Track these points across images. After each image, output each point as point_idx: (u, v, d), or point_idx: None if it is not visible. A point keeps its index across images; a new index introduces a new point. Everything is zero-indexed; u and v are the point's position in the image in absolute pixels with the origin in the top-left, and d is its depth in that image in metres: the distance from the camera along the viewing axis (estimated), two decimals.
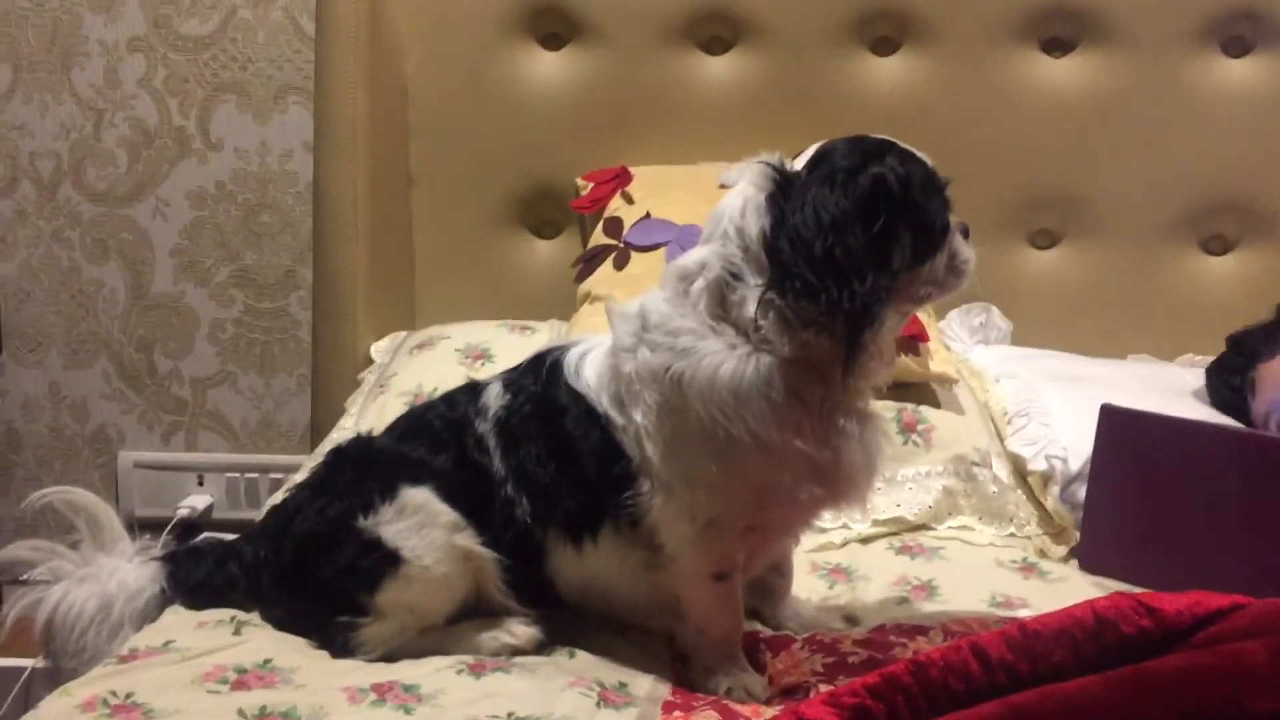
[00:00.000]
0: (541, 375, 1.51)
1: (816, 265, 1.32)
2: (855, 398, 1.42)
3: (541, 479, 1.47)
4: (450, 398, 1.60)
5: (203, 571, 1.61)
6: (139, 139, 2.77)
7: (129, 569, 1.60)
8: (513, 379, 1.55)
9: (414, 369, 2.25)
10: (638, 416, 1.40)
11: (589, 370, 1.47)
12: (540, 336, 2.30)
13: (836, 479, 1.42)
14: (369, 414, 2.14)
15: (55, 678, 1.50)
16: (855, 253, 1.32)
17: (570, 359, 1.49)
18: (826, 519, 1.88)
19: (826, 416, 1.39)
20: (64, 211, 2.81)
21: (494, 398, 1.53)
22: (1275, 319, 2.13)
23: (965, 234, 1.45)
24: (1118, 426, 1.79)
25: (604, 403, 1.43)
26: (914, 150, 1.41)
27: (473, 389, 1.58)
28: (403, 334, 2.48)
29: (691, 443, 1.37)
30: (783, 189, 1.38)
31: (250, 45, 2.72)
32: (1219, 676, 0.95)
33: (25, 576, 1.59)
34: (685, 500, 1.39)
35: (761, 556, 1.53)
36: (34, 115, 2.77)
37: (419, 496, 1.48)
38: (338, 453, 1.63)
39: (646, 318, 1.42)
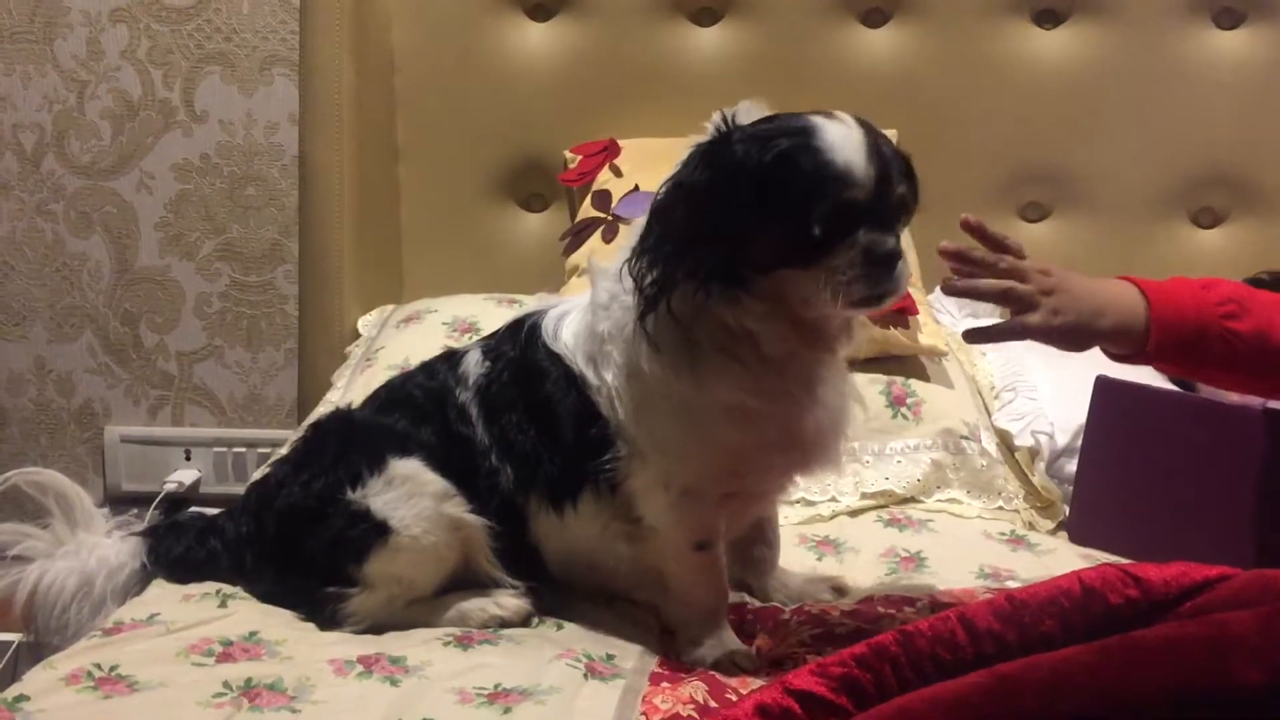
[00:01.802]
0: (520, 340, 1.50)
1: (647, 230, 1.32)
2: (814, 364, 1.38)
3: (523, 445, 1.46)
4: (429, 367, 1.59)
5: (183, 547, 1.60)
6: (123, 111, 2.74)
7: (109, 545, 1.60)
8: (491, 346, 1.54)
9: (401, 342, 2.24)
10: (609, 377, 1.39)
11: (567, 331, 1.46)
12: (527, 310, 2.28)
13: (802, 440, 1.40)
14: (356, 387, 2.13)
15: (40, 654, 1.49)
16: (671, 224, 1.30)
17: (548, 321, 1.48)
18: (813, 490, 1.89)
19: (774, 373, 1.35)
20: (47, 184, 2.79)
21: (473, 365, 1.52)
22: None
23: (880, 260, 1.25)
24: (1112, 399, 1.79)
25: (580, 362, 1.42)
26: (843, 143, 1.25)
27: (450, 357, 1.57)
28: (390, 307, 2.47)
29: (655, 406, 1.37)
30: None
31: (235, 16, 2.70)
32: (1206, 646, 0.95)
33: (3, 555, 1.58)
34: (660, 468, 1.39)
35: (740, 521, 1.53)
36: (16, 86, 2.74)
37: (408, 467, 1.47)
38: (317, 427, 1.62)
39: (623, 275, 1.41)
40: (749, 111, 1.36)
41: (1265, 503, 1.60)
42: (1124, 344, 1.39)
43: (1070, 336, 1.38)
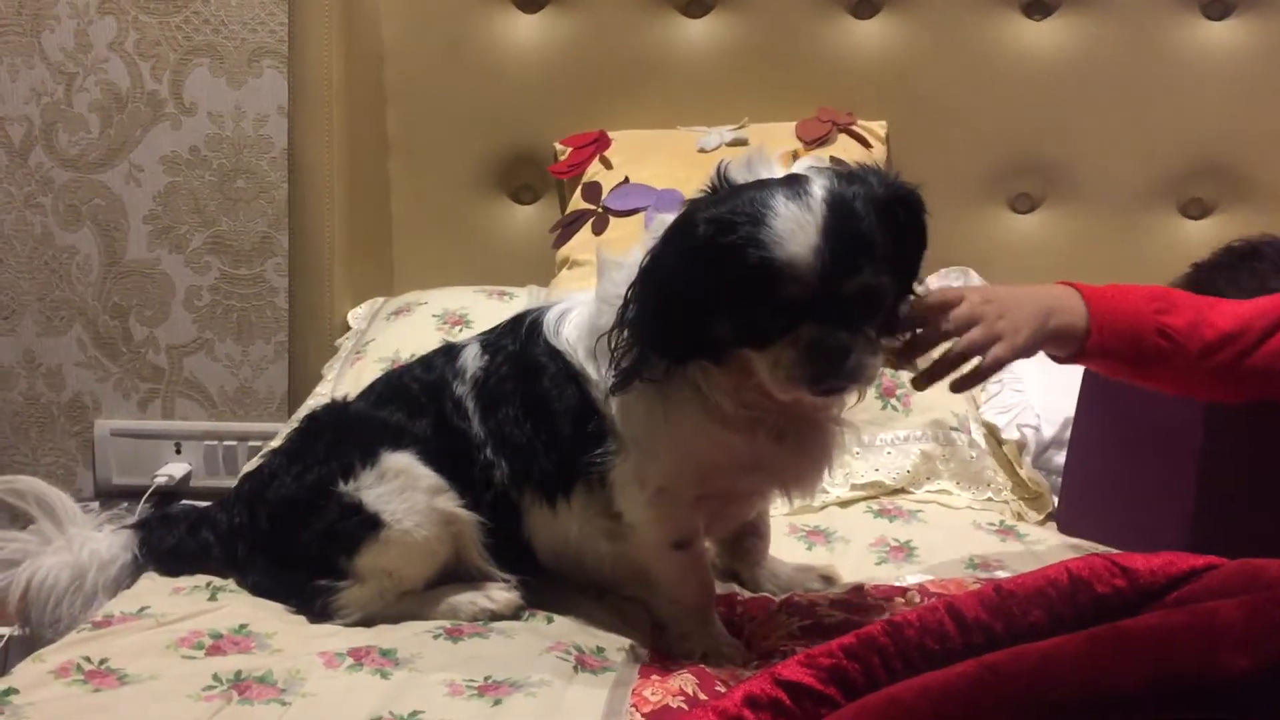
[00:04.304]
0: (520, 335, 1.50)
1: (626, 301, 1.31)
2: (788, 414, 1.35)
3: (519, 439, 1.46)
4: (426, 361, 1.59)
5: (175, 538, 1.60)
6: (111, 103, 2.74)
7: (100, 538, 1.59)
8: (490, 340, 1.54)
9: (391, 335, 2.24)
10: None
11: (569, 328, 1.45)
12: (518, 302, 2.29)
13: (773, 467, 1.41)
14: (346, 380, 2.13)
15: (33, 647, 1.49)
16: (645, 300, 1.29)
17: (550, 318, 1.48)
18: None
19: (744, 416, 1.34)
20: (36, 177, 2.78)
21: (471, 359, 1.52)
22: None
23: (823, 355, 1.23)
24: (1100, 388, 1.79)
25: (580, 357, 1.42)
26: (792, 233, 1.20)
27: (448, 351, 1.57)
28: (380, 300, 2.47)
29: (638, 404, 1.36)
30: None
31: (223, 7, 2.69)
32: (1193, 635, 0.95)
33: None
34: (637, 464, 1.39)
35: (723, 523, 1.53)
36: (4, 79, 2.73)
37: (400, 461, 1.47)
38: (312, 418, 1.62)
39: (598, 351, 1.40)
40: (757, 167, 1.31)
41: (1252, 493, 1.61)
42: (1066, 344, 1.41)
43: (1034, 346, 1.40)
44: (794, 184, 1.24)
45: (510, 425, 1.47)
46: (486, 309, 2.25)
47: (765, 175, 1.30)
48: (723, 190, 1.29)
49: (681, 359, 1.30)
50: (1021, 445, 1.99)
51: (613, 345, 1.32)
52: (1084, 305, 1.40)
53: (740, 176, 1.30)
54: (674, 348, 1.30)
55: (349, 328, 2.42)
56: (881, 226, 1.24)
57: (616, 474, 1.40)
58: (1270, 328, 1.43)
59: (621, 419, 1.39)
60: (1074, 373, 1.82)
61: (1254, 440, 1.57)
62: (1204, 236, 2.53)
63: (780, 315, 1.23)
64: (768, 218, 1.21)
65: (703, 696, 1.27)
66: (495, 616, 1.48)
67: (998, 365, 1.38)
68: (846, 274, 1.21)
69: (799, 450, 1.39)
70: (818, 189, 1.23)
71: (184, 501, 2.35)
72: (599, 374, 1.40)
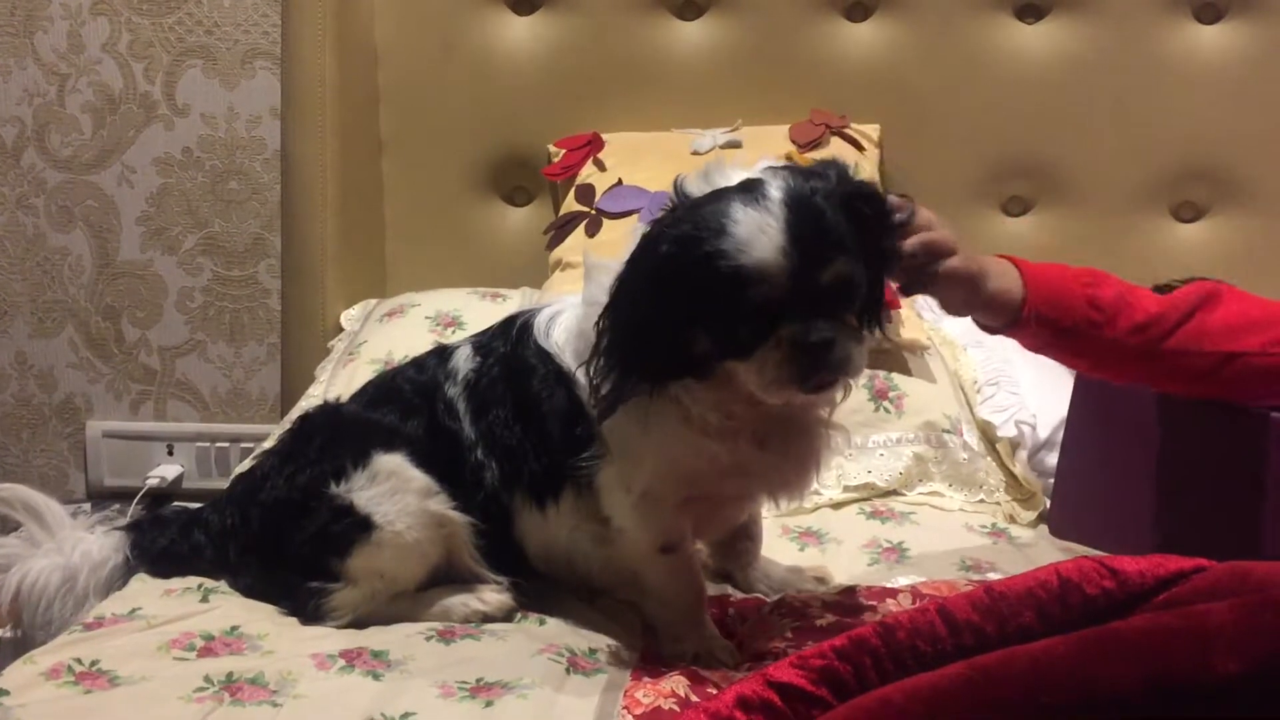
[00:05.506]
0: (512, 337, 1.50)
1: (600, 330, 1.30)
2: (772, 420, 1.35)
3: (509, 441, 1.46)
4: (419, 362, 1.60)
5: (167, 540, 1.60)
6: (104, 105, 2.73)
7: (92, 540, 1.59)
8: (482, 342, 1.54)
9: (384, 336, 2.24)
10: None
11: (558, 329, 1.46)
12: (511, 304, 2.29)
13: (758, 472, 1.40)
14: (339, 381, 2.13)
15: (24, 648, 1.49)
16: (618, 330, 1.29)
17: (540, 320, 1.48)
18: None
19: (731, 417, 1.34)
20: (28, 178, 2.78)
21: (463, 361, 1.52)
22: None
23: (807, 350, 1.23)
24: (1091, 396, 1.80)
25: (568, 360, 1.42)
26: (755, 238, 1.20)
27: (441, 353, 1.58)
28: (373, 301, 2.47)
29: (620, 411, 1.35)
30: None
31: (216, 9, 2.69)
32: (1185, 637, 0.95)
33: None
34: (622, 469, 1.39)
35: (713, 526, 1.53)
36: None
37: (392, 462, 1.47)
38: (305, 419, 1.62)
39: (576, 376, 1.40)
40: (714, 177, 1.31)
41: (1239, 496, 1.61)
42: (1002, 312, 1.45)
43: (968, 288, 1.43)
44: (751, 189, 1.24)
45: (501, 427, 1.47)
46: (479, 311, 2.25)
47: (722, 185, 1.29)
48: (682, 206, 1.29)
49: (663, 381, 1.30)
50: (1017, 443, 1.99)
51: (590, 374, 1.32)
52: (1019, 274, 1.45)
53: (697, 190, 1.30)
54: (654, 371, 1.29)
55: (342, 329, 2.42)
56: (845, 218, 1.25)
57: (603, 478, 1.41)
58: (1184, 317, 1.50)
59: (606, 425, 1.38)
60: (1067, 375, 1.83)
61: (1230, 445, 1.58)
62: (1196, 239, 2.54)
63: (759, 321, 1.23)
64: (729, 227, 1.21)
65: (694, 698, 1.27)
66: (487, 618, 1.48)
67: (951, 273, 1.40)
68: (818, 266, 1.22)
69: (783, 455, 1.39)
70: (775, 190, 1.23)
71: (176, 503, 2.35)
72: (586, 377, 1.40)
